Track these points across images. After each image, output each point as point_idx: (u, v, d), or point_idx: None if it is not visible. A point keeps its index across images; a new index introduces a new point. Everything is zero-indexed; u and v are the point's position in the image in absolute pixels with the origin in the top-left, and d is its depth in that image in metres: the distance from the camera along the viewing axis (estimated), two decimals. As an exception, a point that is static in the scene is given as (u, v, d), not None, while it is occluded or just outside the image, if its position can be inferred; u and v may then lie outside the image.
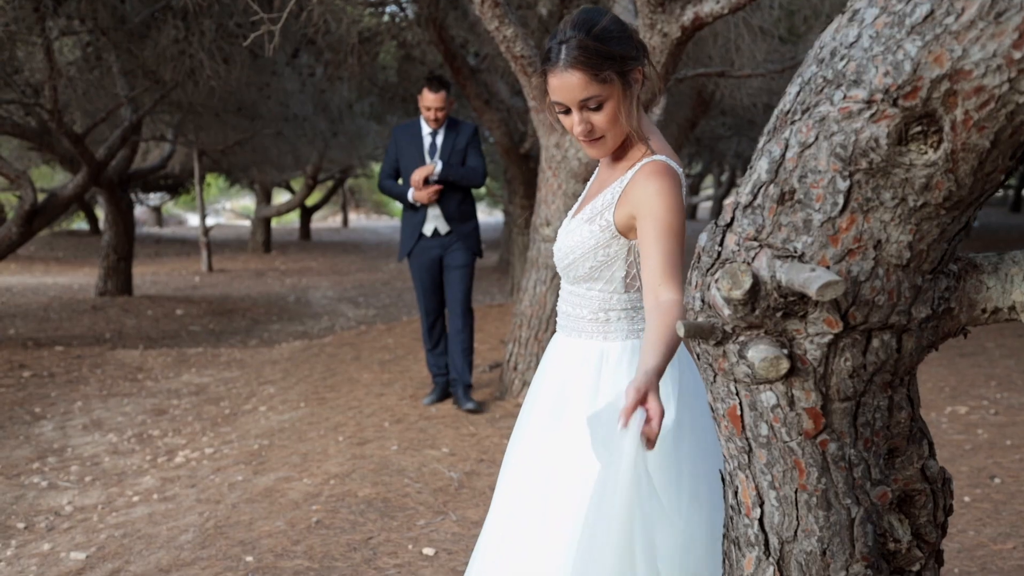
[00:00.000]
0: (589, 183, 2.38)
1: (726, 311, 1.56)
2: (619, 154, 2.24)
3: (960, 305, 1.57)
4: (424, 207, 6.23)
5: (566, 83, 2.11)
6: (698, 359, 1.71)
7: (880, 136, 1.38)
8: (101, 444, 6.20)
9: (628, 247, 2.16)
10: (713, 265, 1.60)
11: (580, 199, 2.36)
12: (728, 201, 1.60)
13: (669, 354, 1.95)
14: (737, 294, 1.52)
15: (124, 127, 10.98)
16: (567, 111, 2.16)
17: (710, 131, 14.09)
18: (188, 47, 8.85)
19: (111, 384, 8.01)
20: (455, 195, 6.27)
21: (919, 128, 1.37)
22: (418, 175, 6.19)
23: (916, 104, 1.35)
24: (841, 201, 1.45)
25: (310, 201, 27.85)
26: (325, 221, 39.49)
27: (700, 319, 1.63)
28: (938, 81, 1.32)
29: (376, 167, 34.84)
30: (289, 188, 28.80)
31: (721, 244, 1.59)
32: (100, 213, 28.32)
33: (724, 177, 29.16)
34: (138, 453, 5.96)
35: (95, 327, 11.44)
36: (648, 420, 1.81)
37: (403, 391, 6.83)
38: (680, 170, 2.14)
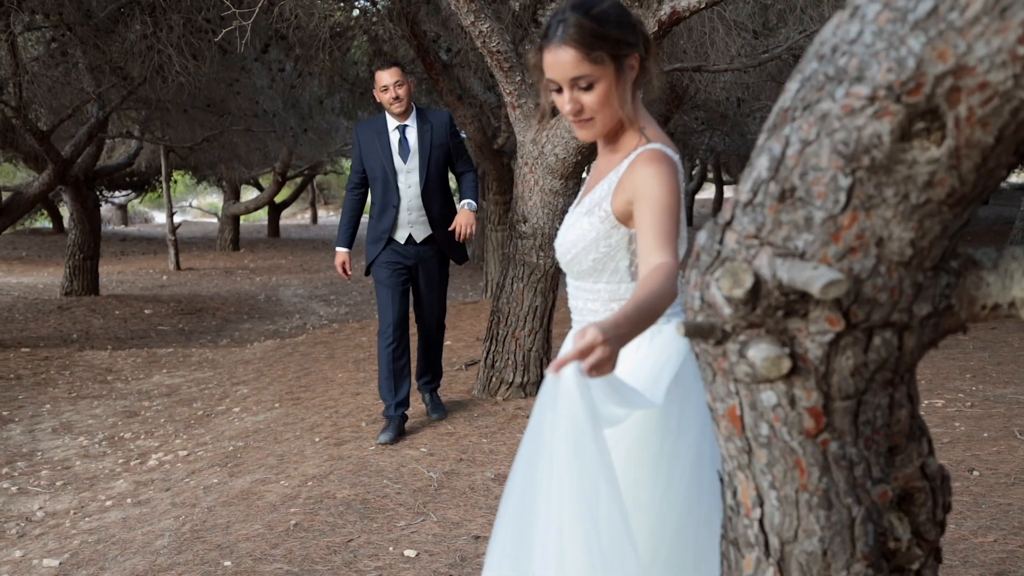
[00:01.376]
0: (588, 177, 2.36)
1: (726, 310, 1.54)
2: (615, 144, 2.23)
3: (960, 302, 1.55)
4: (398, 206, 5.50)
5: (559, 60, 2.11)
6: (697, 358, 1.69)
7: (883, 133, 1.37)
8: (71, 448, 6.11)
9: (629, 236, 2.15)
10: (712, 264, 1.58)
11: (580, 194, 2.34)
12: (728, 199, 1.58)
13: (645, 315, 1.87)
14: (738, 293, 1.51)
15: (91, 124, 10.85)
16: (559, 90, 2.16)
17: (683, 125, 14.13)
18: (156, 42, 8.75)
19: (80, 386, 7.91)
20: (438, 192, 5.58)
21: (922, 125, 1.35)
22: (464, 221, 5.48)
23: (919, 100, 1.33)
24: (843, 199, 1.43)
25: (279, 198, 27.67)
26: (294, 218, 39.29)
27: (699, 318, 1.61)
28: (942, 77, 1.30)
29: (347, 164, 34.72)
30: (257, 185, 28.63)
31: (721, 242, 1.57)
32: (64, 211, 28.02)
33: (695, 171, 29.25)
34: (110, 456, 5.89)
35: (62, 328, 11.30)
36: (592, 366, 1.74)
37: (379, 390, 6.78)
38: (677, 158, 2.14)
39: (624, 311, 1.85)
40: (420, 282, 5.69)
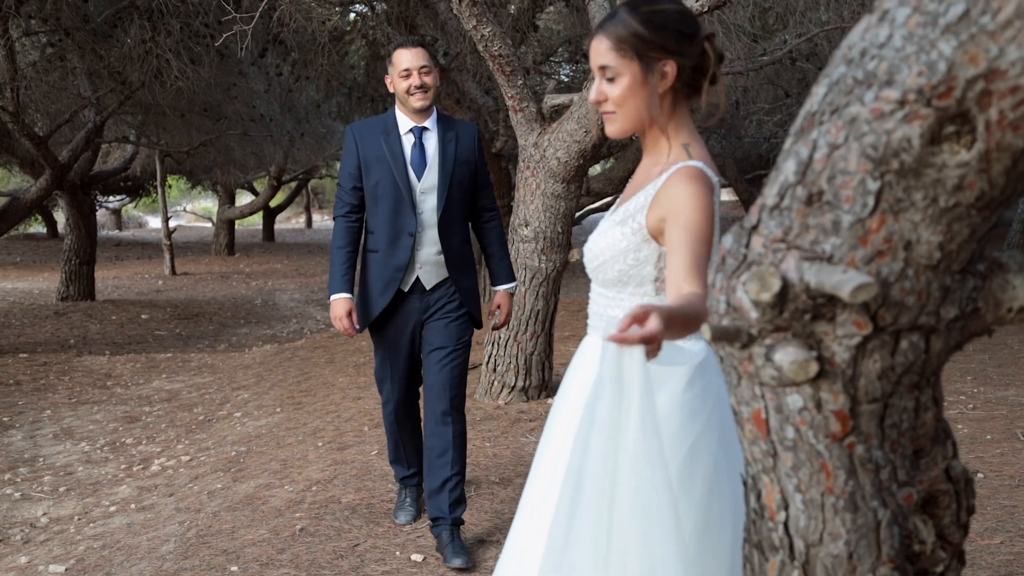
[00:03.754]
0: (628, 185, 2.36)
1: (753, 314, 1.54)
2: (654, 155, 2.22)
3: (987, 304, 1.56)
4: (415, 233, 4.10)
5: (594, 47, 2.20)
6: (722, 362, 1.69)
7: (913, 136, 1.37)
8: (73, 453, 6.10)
9: (659, 252, 2.14)
10: (739, 267, 1.58)
11: (617, 201, 2.34)
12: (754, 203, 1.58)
13: (683, 325, 1.88)
14: (766, 297, 1.51)
15: (88, 129, 10.84)
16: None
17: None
18: (155, 47, 8.74)
19: (80, 391, 7.89)
20: (459, 223, 4.21)
21: (952, 128, 1.36)
22: (509, 310, 4.40)
23: (950, 104, 1.33)
24: (871, 202, 1.44)
25: (274, 202, 27.65)
26: (288, 222, 39.27)
27: (725, 322, 1.61)
28: (973, 81, 1.31)
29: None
30: (252, 189, 28.59)
31: (747, 246, 1.57)
32: (59, 216, 27.97)
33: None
34: (112, 462, 5.88)
35: (58, 333, 11.28)
36: (643, 339, 1.74)
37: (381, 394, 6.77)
38: (716, 179, 2.13)
39: (674, 307, 1.86)
40: (428, 341, 4.21)
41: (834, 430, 1.58)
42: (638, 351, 1.78)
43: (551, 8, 9.67)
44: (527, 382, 6.35)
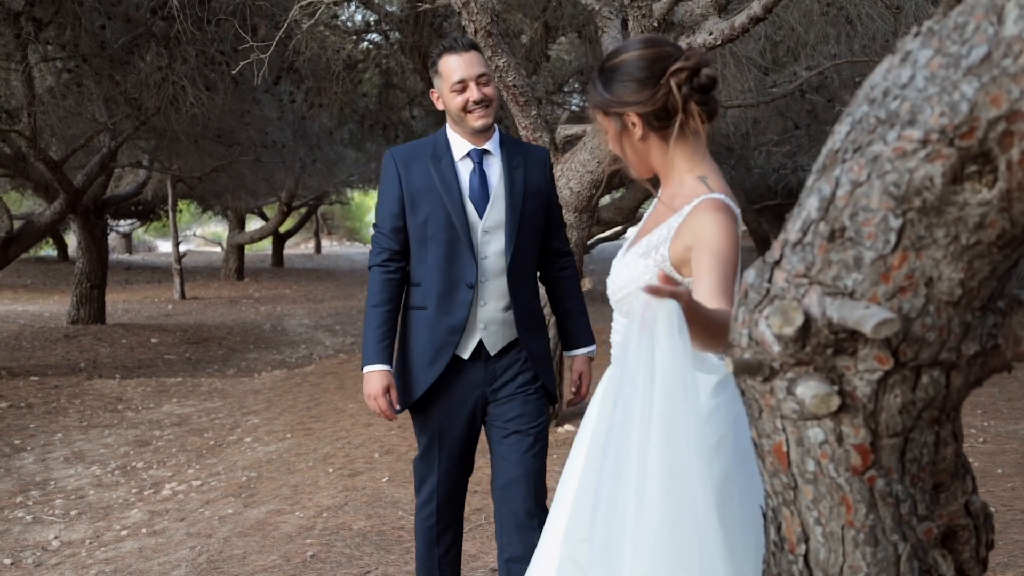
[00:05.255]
0: (645, 216, 2.38)
1: (776, 348, 1.56)
2: (670, 189, 2.25)
3: (1007, 341, 1.57)
4: (468, 295, 3.26)
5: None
6: (743, 395, 1.71)
7: (935, 175, 1.39)
8: (84, 476, 6.11)
9: (682, 284, 2.16)
10: (761, 302, 1.60)
11: (635, 233, 2.36)
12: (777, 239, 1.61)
13: (714, 319, 1.86)
14: (788, 331, 1.53)
15: (103, 154, 10.92)
16: None
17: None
18: (171, 74, 8.82)
19: (91, 415, 7.91)
20: (529, 272, 3.40)
21: (974, 168, 1.38)
22: (590, 378, 3.50)
23: (972, 144, 1.36)
24: (893, 239, 1.46)
25: (283, 228, 27.75)
26: (297, 248, 39.38)
27: (747, 355, 1.63)
28: (995, 122, 1.33)
29: (355, 195, 34.55)
30: (262, 214, 28.71)
31: (770, 281, 1.59)
32: (69, 240, 28.11)
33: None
34: (123, 486, 5.89)
35: (69, 356, 11.31)
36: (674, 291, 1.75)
37: (390, 421, 6.77)
38: (737, 210, 2.15)
39: (699, 309, 1.84)
40: (499, 433, 3.35)
41: (855, 464, 1.60)
42: (670, 305, 1.75)
43: (563, 38, 9.75)
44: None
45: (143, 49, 9.08)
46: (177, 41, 8.74)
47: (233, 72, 6.26)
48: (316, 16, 6.52)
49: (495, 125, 3.35)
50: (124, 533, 4.99)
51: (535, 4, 8.77)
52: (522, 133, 6.05)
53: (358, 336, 14.45)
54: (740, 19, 5.03)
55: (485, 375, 3.30)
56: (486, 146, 3.30)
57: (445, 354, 3.24)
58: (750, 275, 1.64)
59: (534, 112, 5.89)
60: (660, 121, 2.16)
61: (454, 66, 3.21)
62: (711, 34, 5.07)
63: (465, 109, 3.21)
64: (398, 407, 3.26)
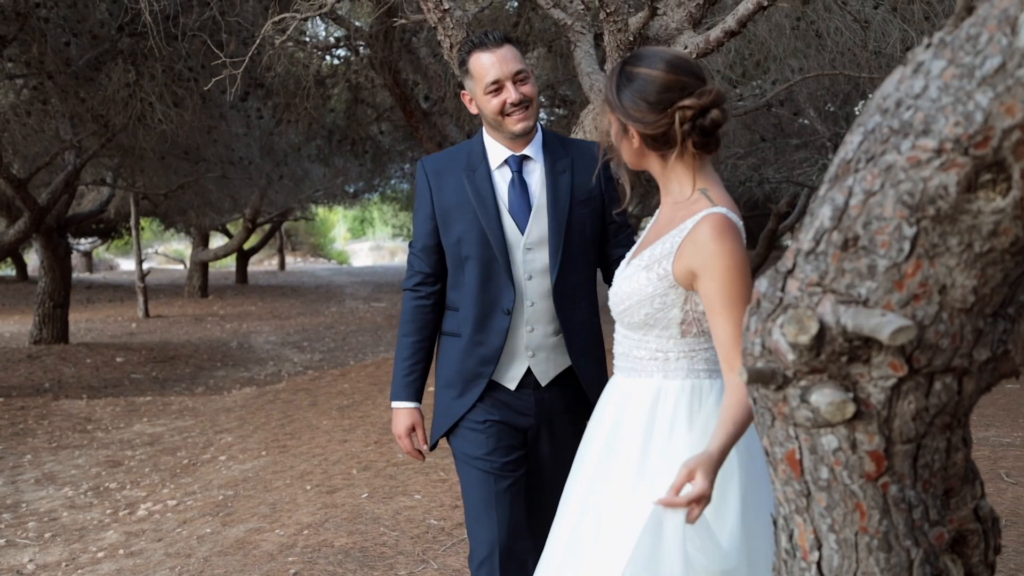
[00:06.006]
0: (647, 227, 2.38)
1: (790, 356, 1.57)
2: (669, 197, 2.26)
3: (1016, 347, 1.60)
4: (512, 311, 2.91)
5: None
6: (754, 403, 1.72)
7: (949, 184, 1.41)
8: (57, 498, 6.02)
9: (686, 296, 2.16)
10: (775, 311, 1.61)
11: (637, 243, 2.36)
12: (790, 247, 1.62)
13: (736, 435, 2.04)
14: (804, 339, 1.54)
15: (68, 171, 10.80)
16: None
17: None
18: (139, 90, 8.75)
19: (60, 436, 7.80)
20: (582, 289, 2.99)
21: (988, 176, 1.40)
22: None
23: (987, 153, 1.38)
24: (907, 247, 1.48)
25: (247, 244, 27.56)
26: (261, 264, 39.13)
27: (759, 364, 1.64)
28: (1009, 131, 1.36)
29: (320, 211, 34.38)
30: (225, 231, 28.49)
31: (783, 290, 1.61)
32: (29, 259, 27.73)
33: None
34: (97, 507, 5.81)
35: (32, 377, 11.15)
36: (691, 501, 1.96)
37: (367, 437, 6.75)
38: (740, 222, 2.16)
39: (725, 434, 2.02)
40: (546, 465, 3.03)
41: (868, 470, 1.61)
42: (681, 514, 1.98)
43: (535, 53, 9.78)
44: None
45: (110, 66, 9.00)
46: (145, 57, 8.68)
47: (205, 88, 6.20)
48: (288, 32, 6.50)
49: (538, 125, 2.99)
50: (101, 555, 4.92)
51: (506, 20, 8.80)
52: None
53: (326, 352, 14.38)
54: (715, 33, 5.07)
55: (535, 403, 2.95)
56: (526, 151, 2.94)
57: (476, 386, 2.92)
58: (762, 284, 1.65)
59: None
60: (657, 144, 2.18)
61: (487, 64, 2.84)
62: (686, 48, 5.11)
63: (503, 112, 2.86)
64: (426, 446, 3.03)
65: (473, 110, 2.99)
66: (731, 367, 2.09)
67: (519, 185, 2.93)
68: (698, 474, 1.97)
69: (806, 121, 12.68)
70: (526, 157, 2.95)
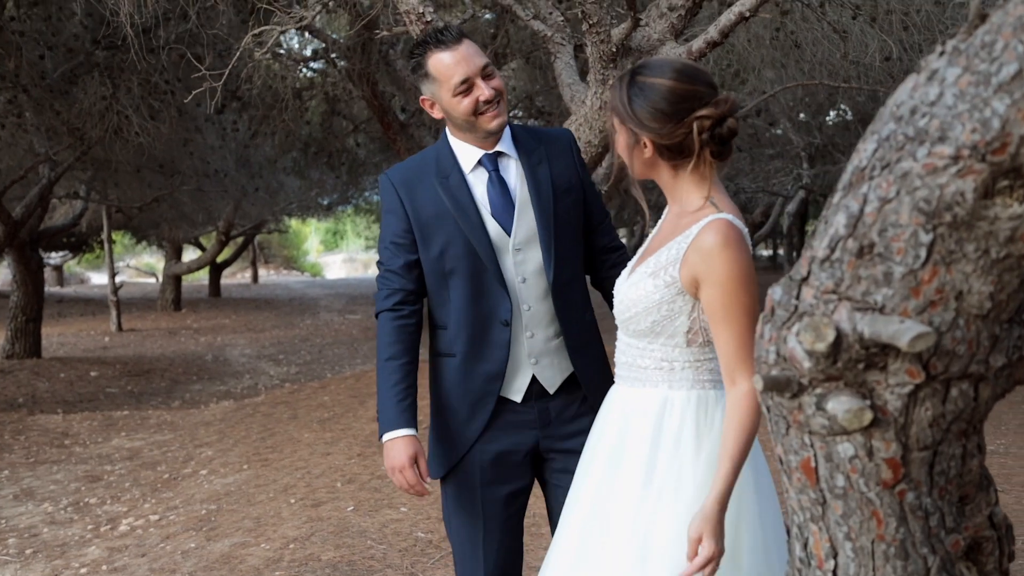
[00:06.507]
0: (652, 233, 2.36)
1: (807, 364, 1.57)
2: (676, 204, 2.24)
3: (1031, 353, 1.61)
4: (504, 334, 2.72)
5: None
6: (768, 411, 1.72)
7: (966, 190, 1.42)
8: (36, 514, 5.94)
9: (692, 304, 2.15)
10: (789, 318, 1.61)
11: (642, 249, 2.34)
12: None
13: (736, 469, 2.04)
14: (821, 347, 1.54)
15: (42, 185, 10.69)
16: None
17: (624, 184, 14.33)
18: (115, 103, 8.68)
19: (37, 451, 7.70)
20: (578, 285, 2.83)
21: (1005, 183, 1.41)
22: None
23: (1004, 159, 1.38)
24: (923, 254, 1.48)
25: (220, 257, 27.38)
26: (234, 277, 38.90)
27: (774, 372, 1.64)
28: (1027, 137, 1.36)
29: (293, 223, 34.23)
30: (198, 244, 28.31)
31: (798, 298, 1.61)
32: (-1, 273, 27.45)
33: (636, 227, 29.51)
34: (78, 522, 5.74)
35: (5, 392, 11.02)
36: (705, 565, 2.01)
37: (350, 450, 6.71)
38: (744, 229, 2.15)
39: (724, 479, 2.04)
40: (555, 487, 2.80)
41: (885, 478, 1.61)
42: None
43: (512, 64, 9.79)
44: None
45: (85, 79, 8.92)
46: (121, 70, 8.62)
47: (186, 100, 6.16)
48: (268, 46, 6.47)
49: (506, 121, 2.76)
50: (84, 571, 4.85)
51: (484, 31, 8.81)
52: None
53: (302, 365, 14.29)
54: (697, 44, 5.09)
55: (538, 417, 2.74)
56: (499, 147, 2.74)
57: (486, 404, 2.70)
58: (776, 292, 1.65)
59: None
60: (672, 154, 2.16)
61: (451, 64, 2.63)
62: (675, 50, 5.12)
63: (476, 112, 2.64)
64: (428, 479, 2.68)
65: (437, 115, 2.76)
66: (732, 381, 2.08)
67: (498, 184, 2.75)
68: (705, 540, 2.00)
69: (780, 131, 12.77)
70: (500, 154, 2.75)
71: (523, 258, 2.73)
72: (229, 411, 9.23)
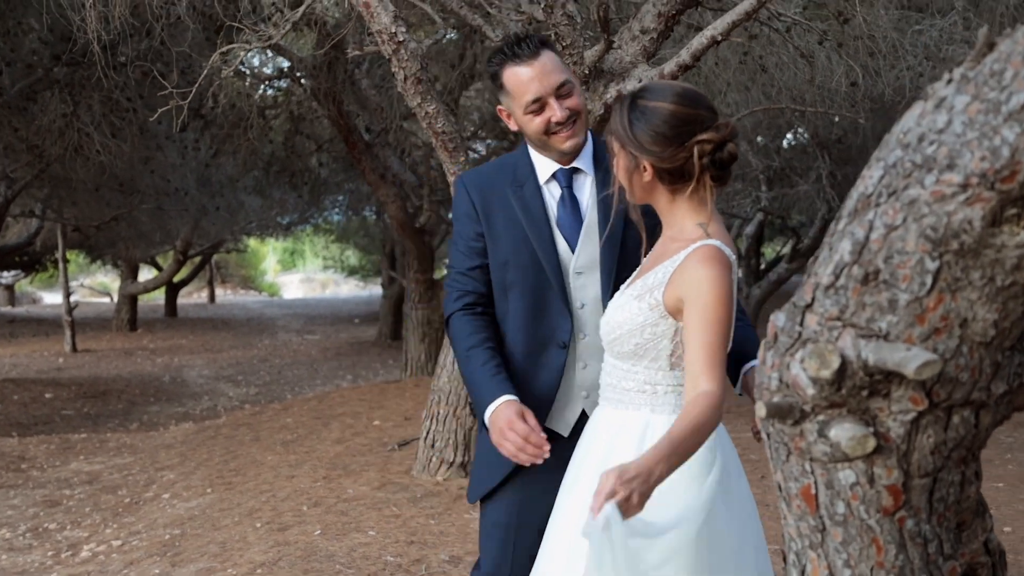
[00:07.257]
0: (646, 258, 2.37)
1: (811, 391, 1.57)
2: (670, 229, 2.25)
3: (1031, 380, 1.61)
4: (560, 358, 2.60)
5: None
6: (768, 438, 1.71)
7: (974, 218, 1.42)
8: (-7, 541, 5.80)
9: (676, 327, 2.16)
10: (793, 345, 1.60)
11: (635, 273, 2.35)
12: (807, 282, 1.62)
13: (681, 452, 1.98)
14: (826, 374, 1.54)
15: (-1, 204, 10.54)
16: None
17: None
18: (75, 120, 8.57)
19: (-8, 475, 7.53)
20: None
21: (1013, 211, 1.41)
22: None
23: (1013, 188, 1.39)
24: (929, 281, 1.48)
25: (177, 277, 27.08)
26: (190, 297, 38.47)
27: (776, 399, 1.63)
28: (1035, 165, 1.37)
29: (253, 243, 33.90)
30: (155, 264, 27.99)
31: (801, 324, 1.60)
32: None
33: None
34: (37, 549, 5.61)
35: (-42, 414, 10.80)
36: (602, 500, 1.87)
37: (315, 472, 6.63)
38: (733, 257, 2.16)
39: (659, 450, 1.94)
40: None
41: (886, 504, 1.61)
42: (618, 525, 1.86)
43: (479, 84, 9.80)
44: (466, 457, 6.29)
45: (45, 95, 8.80)
46: (82, 87, 8.51)
47: (151, 119, 6.09)
48: (235, 64, 6.42)
49: (588, 133, 2.69)
50: (44, 599, 4.74)
51: (453, 51, 8.81)
52: (450, 179, 6.03)
53: (262, 386, 14.15)
54: (669, 67, 5.12)
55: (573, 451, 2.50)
56: (576, 163, 2.65)
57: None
58: (780, 319, 1.64)
59: (463, 159, 5.89)
60: (672, 178, 2.16)
61: (525, 80, 2.53)
62: (640, 81, 5.15)
63: (547, 131, 2.57)
64: (477, 492, 2.61)
65: (513, 127, 2.68)
66: (694, 385, 2.06)
67: (569, 201, 2.64)
68: (612, 477, 1.88)
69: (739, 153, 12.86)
70: (576, 170, 2.66)
71: (583, 283, 2.61)
72: (190, 433, 9.10)
